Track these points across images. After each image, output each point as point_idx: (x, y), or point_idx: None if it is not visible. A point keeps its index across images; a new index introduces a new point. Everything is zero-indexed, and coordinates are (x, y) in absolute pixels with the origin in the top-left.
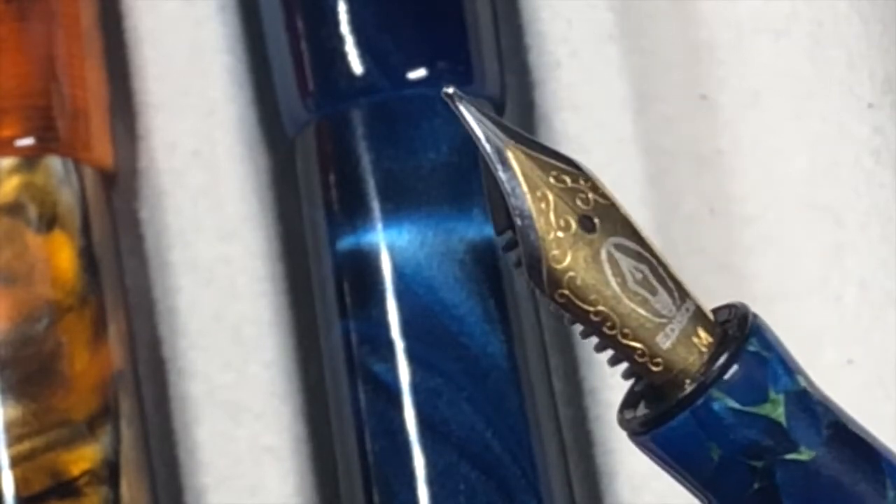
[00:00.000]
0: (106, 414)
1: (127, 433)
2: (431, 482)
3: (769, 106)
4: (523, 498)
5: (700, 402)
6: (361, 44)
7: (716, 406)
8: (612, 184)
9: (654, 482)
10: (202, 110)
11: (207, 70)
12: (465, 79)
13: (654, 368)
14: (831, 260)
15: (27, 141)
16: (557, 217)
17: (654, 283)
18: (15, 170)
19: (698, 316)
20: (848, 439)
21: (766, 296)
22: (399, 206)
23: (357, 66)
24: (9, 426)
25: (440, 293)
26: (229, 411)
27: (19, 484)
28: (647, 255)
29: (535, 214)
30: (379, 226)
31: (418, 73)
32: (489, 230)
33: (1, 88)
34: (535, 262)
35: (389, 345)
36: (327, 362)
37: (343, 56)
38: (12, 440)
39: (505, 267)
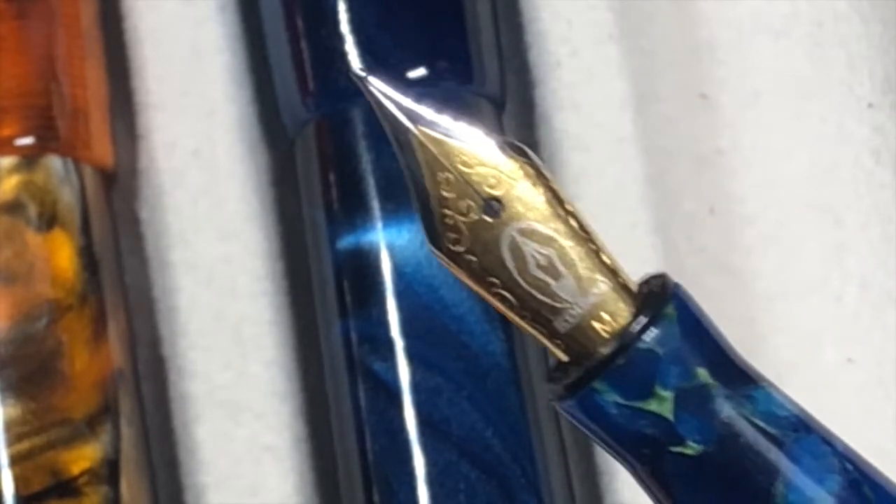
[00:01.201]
0: (106, 413)
1: (127, 432)
2: (431, 481)
3: (769, 106)
4: (523, 497)
5: (582, 392)
6: (361, 43)
7: (598, 399)
8: (612, 183)
9: None
10: (202, 110)
11: (207, 70)
12: (466, 78)
13: (555, 349)
14: (831, 260)
15: (27, 140)
16: (459, 201)
17: (560, 267)
18: (15, 169)
19: (608, 300)
20: (745, 434)
21: (766, 296)
22: (399, 205)
23: (357, 65)
24: (9, 425)
25: (440, 292)
26: (229, 411)
27: (19, 483)
28: (559, 239)
29: (432, 198)
30: (379, 225)
31: (418, 73)
32: None
33: (1, 88)
34: (434, 243)
35: (389, 344)
36: (327, 362)
37: (343, 55)
38: (12, 439)
39: None
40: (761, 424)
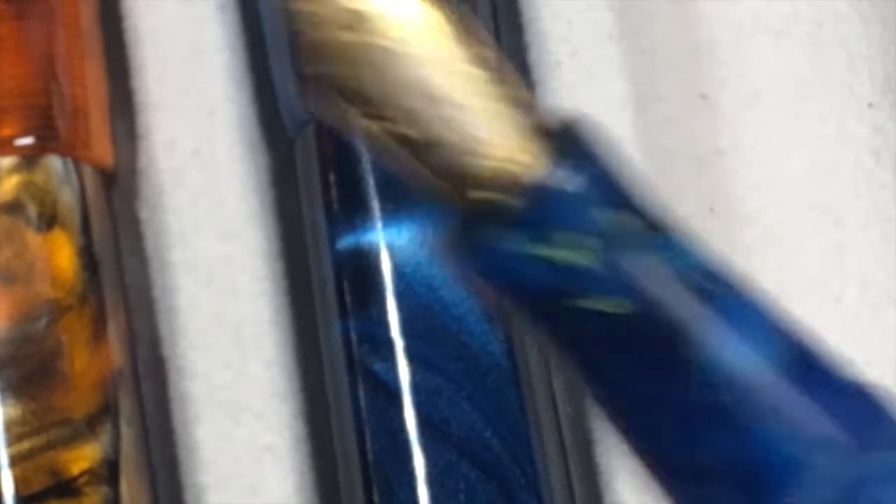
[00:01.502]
0: (106, 413)
1: (127, 432)
2: (431, 481)
3: (769, 106)
4: (523, 497)
5: (489, 239)
6: None
7: (505, 247)
8: None
9: None
10: (202, 110)
11: (207, 70)
12: None
13: (458, 196)
14: (831, 260)
15: (27, 140)
16: (325, 18)
17: (461, 103)
18: (15, 169)
19: (517, 140)
20: (670, 288)
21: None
22: (399, 205)
23: None
24: (8, 425)
25: (440, 292)
26: (229, 411)
27: (19, 483)
28: (460, 69)
29: (295, 15)
30: (379, 225)
31: None
32: None
33: (0, 88)
34: (302, 72)
35: (389, 344)
36: (327, 362)
37: None
38: (12, 439)
39: None
40: (688, 278)
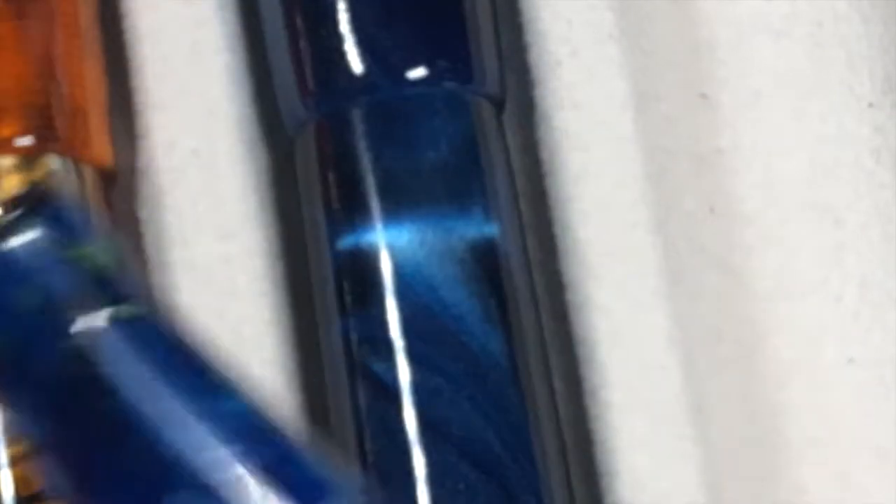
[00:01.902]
0: None
1: None
2: (431, 482)
3: (769, 106)
4: (523, 498)
5: None
6: (361, 42)
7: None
8: (612, 183)
9: (654, 482)
10: (202, 110)
11: (207, 70)
12: (466, 78)
13: None
14: (831, 260)
15: (26, 140)
16: None
17: None
18: (15, 168)
19: None
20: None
21: (766, 296)
22: (399, 205)
23: (357, 65)
24: (8, 426)
25: (440, 292)
26: None
27: (19, 483)
28: None
29: None
30: (379, 225)
31: (418, 72)
32: (489, 229)
33: (0, 87)
34: None
35: (389, 344)
36: (327, 362)
37: (343, 55)
38: (12, 439)
39: (505, 266)
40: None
